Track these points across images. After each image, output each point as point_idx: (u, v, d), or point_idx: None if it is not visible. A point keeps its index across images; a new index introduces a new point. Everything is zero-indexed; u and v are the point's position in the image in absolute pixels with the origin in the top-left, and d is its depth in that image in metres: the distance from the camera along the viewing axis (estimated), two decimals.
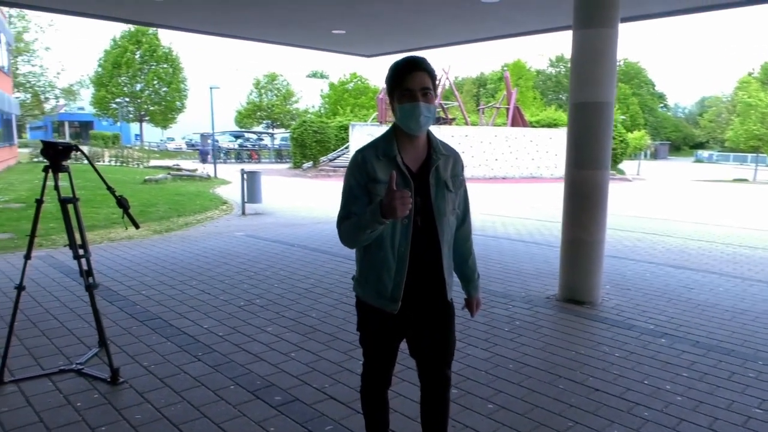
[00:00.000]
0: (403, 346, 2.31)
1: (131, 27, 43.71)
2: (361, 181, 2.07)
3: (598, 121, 5.38)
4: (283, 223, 10.71)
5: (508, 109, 29.68)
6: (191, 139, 50.90)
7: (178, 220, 10.70)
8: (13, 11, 32.76)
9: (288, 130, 38.58)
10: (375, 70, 61.07)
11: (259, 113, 55.32)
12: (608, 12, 5.30)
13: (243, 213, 11.94)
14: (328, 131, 28.90)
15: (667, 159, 66.52)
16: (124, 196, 3.61)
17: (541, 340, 4.46)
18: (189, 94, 49.16)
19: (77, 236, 3.60)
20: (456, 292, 2.28)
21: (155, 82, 47.19)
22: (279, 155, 39.03)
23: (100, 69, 46.73)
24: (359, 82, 51.95)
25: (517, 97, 32.44)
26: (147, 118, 48.76)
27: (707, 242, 9.57)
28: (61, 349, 4.06)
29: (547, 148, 27.63)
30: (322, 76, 73.48)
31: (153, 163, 30.17)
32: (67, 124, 59.22)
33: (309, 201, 15.15)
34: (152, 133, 54.29)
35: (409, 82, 2.01)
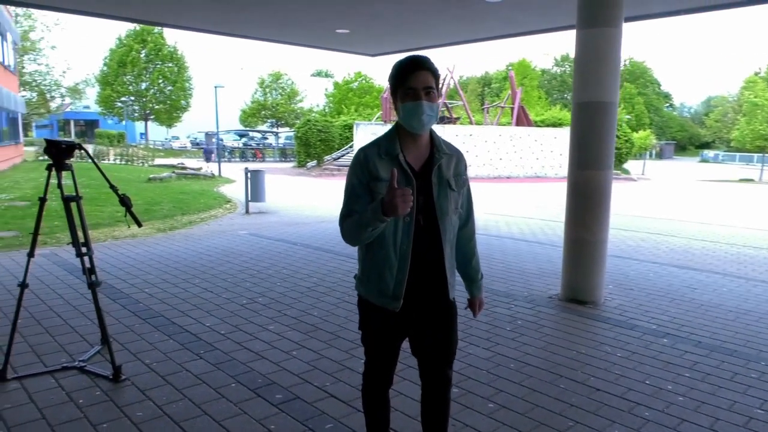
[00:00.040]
0: (405, 345, 2.31)
1: (137, 26, 43.86)
2: (363, 180, 2.07)
3: (601, 121, 5.37)
4: (287, 222, 10.72)
5: (512, 109, 29.65)
6: (196, 138, 51.06)
7: (182, 219, 10.73)
8: (20, 10, 32.90)
9: (292, 129, 38.63)
10: (380, 69, 61.02)
11: (263, 112, 55.45)
12: (612, 11, 5.28)
13: (247, 212, 11.96)
14: (332, 130, 28.94)
15: (672, 159, 66.27)
16: (126, 194, 3.63)
17: (543, 340, 4.45)
18: (194, 93, 49.34)
19: (80, 234, 3.62)
20: (459, 291, 2.28)
21: (160, 81, 47.38)
22: (283, 154, 39.11)
23: (105, 68, 46.95)
24: (364, 81, 52.01)
25: (522, 97, 32.40)
26: (152, 117, 48.95)
27: (711, 242, 9.54)
28: (64, 346, 4.08)
29: (552, 148, 27.57)
30: (327, 75, 73.57)
31: (158, 161, 30.31)
32: (72, 123, 59.53)
33: (313, 200, 15.17)
34: (157, 132, 54.51)
35: (413, 81, 2.02)
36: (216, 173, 22.03)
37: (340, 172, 25.17)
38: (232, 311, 4.99)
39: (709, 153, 65.24)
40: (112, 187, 3.61)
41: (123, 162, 29.10)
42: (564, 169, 25.96)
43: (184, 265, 6.73)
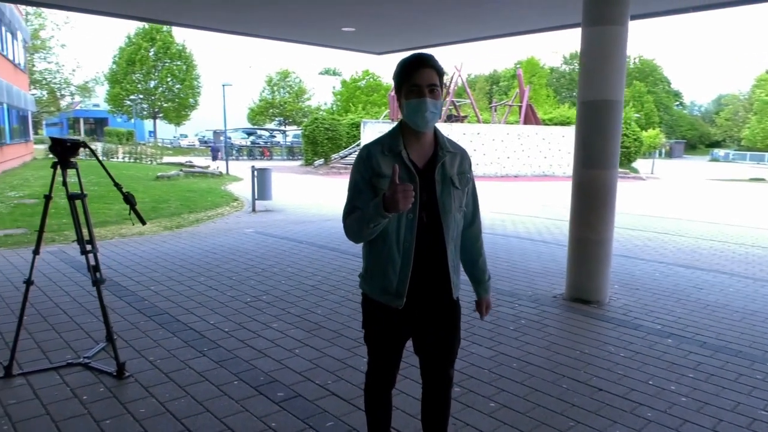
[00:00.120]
0: (408, 344, 2.31)
1: (146, 24, 44.08)
2: (366, 176, 2.08)
3: (607, 120, 5.34)
4: (293, 220, 10.75)
5: (520, 107, 29.53)
6: (204, 136, 51.27)
7: (189, 217, 10.79)
8: (30, 9, 33.16)
9: (300, 128, 38.72)
10: (387, 68, 60.99)
11: (271, 110, 55.58)
12: (618, 9, 5.25)
13: (253, 210, 12.01)
14: (339, 128, 28.97)
15: (682, 158, 65.75)
16: (130, 192, 3.65)
17: (546, 339, 4.44)
18: (202, 91, 49.53)
19: (85, 232, 3.65)
20: (464, 291, 2.28)
21: (169, 79, 47.60)
22: (291, 152, 39.20)
23: (114, 66, 47.24)
24: (371, 80, 52.00)
25: (530, 95, 32.26)
26: (160, 115, 49.20)
27: (719, 242, 9.47)
28: (70, 342, 4.12)
29: (560, 146, 27.46)
30: (335, 74, 73.62)
31: (166, 159, 30.46)
32: (82, 121, 59.98)
33: (319, 198, 15.20)
34: (166, 130, 54.76)
35: (417, 78, 2.02)
36: (224, 171, 22.11)
37: (347, 171, 25.14)
38: (236, 309, 5.01)
39: (720, 152, 64.67)
40: (116, 185, 3.64)
41: (132, 160, 29.28)
42: (572, 168, 25.67)
43: (190, 262, 6.77)
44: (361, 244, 2.22)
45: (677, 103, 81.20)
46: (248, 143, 42.59)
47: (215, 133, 41.22)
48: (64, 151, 3.54)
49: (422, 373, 2.38)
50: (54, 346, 4.04)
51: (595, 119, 5.38)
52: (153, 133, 51.40)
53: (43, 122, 53.08)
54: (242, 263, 6.79)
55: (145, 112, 48.85)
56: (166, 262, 6.75)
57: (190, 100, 48.93)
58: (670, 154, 63.70)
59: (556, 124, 30.31)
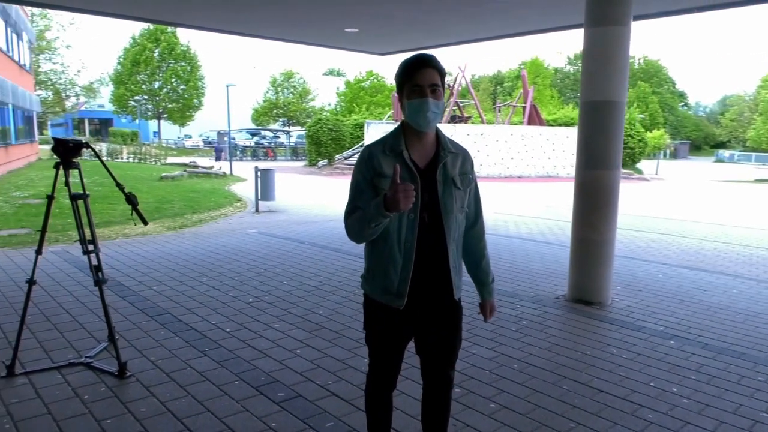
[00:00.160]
0: (409, 345, 2.30)
1: (150, 25, 44.24)
2: (368, 176, 2.08)
3: (609, 120, 5.33)
4: (296, 221, 10.77)
5: (524, 108, 29.49)
6: (208, 137, 51.41)
7: (192, 217, 10.82)
8: (36, 10, 33.32)
9: (304, 128, 38.76)
10: (391, 68, 61.03)
11: (275, 111, 55.70)
12: (621, 9, 5.24)
13: (256, 210, 12.03)
14: (343, 129, 28.99)
15: (687, 159, 65.55)
16: (132, 192, 3.67)
17: (548, 341, 4.43)
18: (206, 91, 49.67)
19: (87, 232, 3.67)
20: (467, 292, 2.27)
21: (173, 79, 47.76)
22: (295, 153, 39.25)
23: (119, 67, 47.44)
24: (375, 80, 52.00)
25: (534, 96, 32.22)
26: (165, 116, 49.37)
27: (723, 243, 9.43)
28: (72, 342, 4.14)
29: (564, 147, 27.39)
30: (339, 74, 73.68)
31: (170, 160, 30.54)
32: (87, 121, 60.21)
33: (323, 199, 15.21)
34: (170, 131, 54.96)
35: (419, 78, 2.03)
36: (227, 172, 22.16)
37: (351, 171, 25.04)
38: (238, 309, 5.02)
39: (725, 153, 64.41)
40: (118, 185, 3.65)
41: (136, 160, 29.38)
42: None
43: (193, 263, 6.79)
44: (363, 245, 2.22)
45: (682, 103, 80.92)
46: (252, 144, 42.67)
47: (219, 133, 41.32)
48: (66, 152, 3.55)
49: (423, 374, 2.38)
50: (56, 346, 4.05)
51: (597, 120, 5.37)
52: (157, 133, 51.58)
53: (49, 123, 53.34)
54: (245, 264, 6.80)
55: (149, 113, 49.03)
56: (168, 263, 6.77)
57: (195, 100, 49.08)
58: (674, 155, 63.51)
59: (560, 125, 30.24)
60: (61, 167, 3.58)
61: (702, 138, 77.18)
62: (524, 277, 6.48)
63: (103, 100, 50.44)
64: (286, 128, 52.65)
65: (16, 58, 23.97)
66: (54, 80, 38.65)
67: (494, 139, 26.41)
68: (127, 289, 5.59)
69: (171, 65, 47.59)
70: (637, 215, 13.09)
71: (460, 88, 30.70)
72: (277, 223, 10.45)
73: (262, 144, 42.95)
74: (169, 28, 45.78)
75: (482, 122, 29.87)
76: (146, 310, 4.94)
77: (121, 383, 3.47)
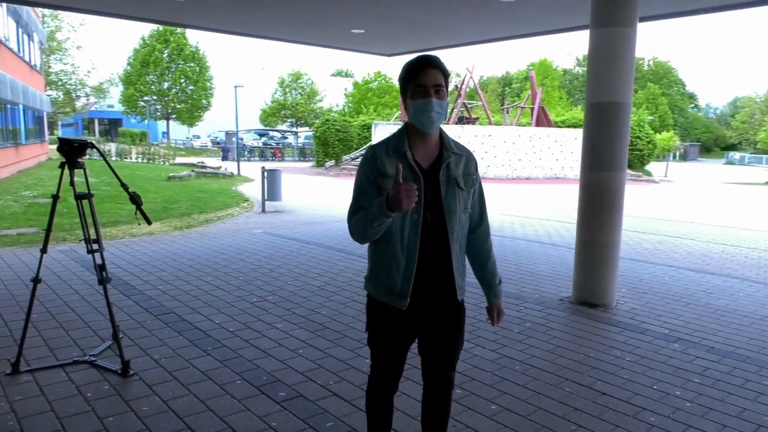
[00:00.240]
0: (412, 346, 2.30)
1: (159, 26, 44.53)
2: (371, 176, 2.09)
3: (614, 122, 5.31)
4: (302, 221, 10.79)
5: (532, 109, 29.40)
6: (216, 137, 51.65)
7: (199, 217, 10.87)
8: (47, 11, 33.62)
9: (311, 129, 38.85)
10: (399, 70, 60.88)
11: (283, 112, 55.86)
12: (627, 10, 5.22)
13: (263, 210, 12.07)
14: (350, 130, 29.01)
15: (697, 161, 65.09)
16: (137, 192, 3.69)
17: (551, 342, 4.42)
18: (215, 92, 49.91)
19: (92, 231, 3.70)
20: (470, 294, 2.26)
21: (182, 80, 48.04)
22: (302, 154, 39.32)
23: (129, 67, 47.77)
24: (383, 81, 52.04)
25: (543, 97, 32.11)
26: (174, 116, 49.65)
27: (731, 246, 9.35)
28: (77, 340, 4.17)
29: (572, 149, 27.26)
30: (347, 75, 73.79)
31: (178, 160, 30.71)
32: (96, 122, 60.65)
33: (329, 199, 15.23)
34: (179, 131, 55.25)
35: (423, 79, 2.03)
36: (235, 172, 22.25)
37: None
38: (242, 309, 5.04)
39: (735, 155, 63.88)
40: (122, 185, 3.68)
41: (145, 161, 29.55)
42: None
43: (198, 262, 6.82)
44: (366, 246, 2.22)
45: (692, 105, 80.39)
46: (260, 144, 42.82)
47: (227, 134, 41.47)
48: (71, 152, 3.58)
49: (423, 375, 2.38)
50: (61, 344, 4.09)
51: (603, 121, 5.35)
52: (166, 134, 51.86)
53: (59, 123, 53.75)
54: (250, 264, 6.83)
55: (158, 113, 49.33)
56: (174, 262, 6.80)
57: (203, 101, 49.34)
58: (684, 157, 63.09)
59: (568, 126, 30.10)
60: (66, 167, 3.61)
61: (712, 140, 76.62)
62: (529, 279, 6.46)
63: (113, 101, 50.79)
64: (294, 129, 52.78)
65: (27, 59, 24.20)
66: (64, 81, 38.94)
67: (502, 140, 26.34)
68: (133, 288, 5.63)
69: (180, 66, 47.85)
70: (645, 217, 13.01)
71: (468, 89, 30.68)
72: (283, 223, 10.48)
73: (270, 144, 43.09)
74: (178, 30, 46.04)
75: (490, 123, 29.81)
76: (151, 309, 4.97)
77: (124, 381, 3.50)
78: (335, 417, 3.12)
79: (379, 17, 8.16)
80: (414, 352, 2.32)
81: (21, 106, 21.30)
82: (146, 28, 48.57)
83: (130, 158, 30.06)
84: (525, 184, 23.86)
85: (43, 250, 3.69)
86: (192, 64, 48.25)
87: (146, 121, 49.00)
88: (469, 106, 31.02)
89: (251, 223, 10.53)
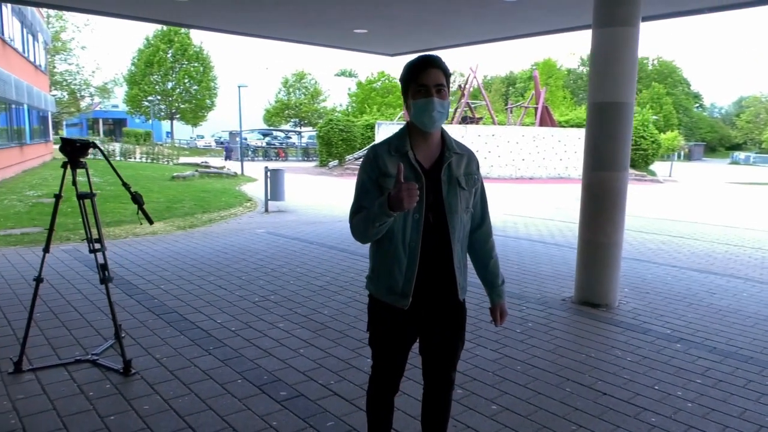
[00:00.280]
0: (413, 346, 2.30)
1: (163, 27, 44.62)
2: (373, 176, 2.09)
3: (617, 122, 5.29)
4: (305, 221, 10.80)
5: (536, 109, 29.35)
6: (220, 137, 51.73)
7: (202, 217, 10.90)
8: (51, 11, 33.74)
9: (315, 129, 38.86)
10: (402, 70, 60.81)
11: (287, 112, 55.89)
12: (629, 10, 5.20)
13: (266, 210, 12.09)
14: (354, 130, 29.01)
15: (702, 160, 64.77)
16: (138, 192, 3.70)
17: (553, 343, 4.41)
18: (219, 92, 49.96)
19: (94, 231, 3.71)
20: (472, 294, 2.26)
21: (186, 80, 48.09)
22: (306, 153, 39.37)
23: (133, 67, 47.86)
24: (387, 81, 52.00)
25: (547, 97, 32.04)
26: (178, 116, 49.73)
27: (735, 246, 9.32)
28: (79, 339, 4.19)
29: (576, 149, 27.19)
30: (351, 75, 73.80)
31: (182, 160, 30.78)
32: (101, 122, 60.85)
33: (332, 199, 15.24)
34: (183, 131, 55.33)
35: (424, 78, 2.04)
36: (239, 172, 22.28)
37: None
38: (244, 308, 5.05)
39: (740, 155, 63.51)
40: (124, 184, 3.70)
41: (149, 160, 29.61)
42: None
43: (201, 262, 6.84)
44: (368, 246, 2.23)
45: (697, 105, 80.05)
46: (264, 144, 42.87)
47: (231, 134, 41.57)
48: (73, 152, 3.60)
49: (424, 375, 2.38)
50: (63, 343, 4.11)
51: (605, 121, 5.33)
52: (170, 133, 51.98)
53: (64, 123, 53.93)
54: (252, 263, 6.84)
55: (162, 113, 49.42)
56: (177, 262, 6.82)
57: (207, 101, 49.40)
58: (689, 157, 62.80)
59: (572, 126, 30.00)
60: (68, 166, 3.63)
61: (717, 140, 76.24)
62: (531, 279, 6.45)
63: (117, 101, 50.96)
64: (298, 129, 52.83)
65: (32, 59, 24.30)
66: (69, 81, 39.11)
67: (505, 140, 26.29)
68: (135, 287, 5.64)
69: (184, 66, 47.93)
70: (649, 217, 12.97)
71: (471, 89, 30.63)
72: (286, 223, 10.50)
73: (274, 144, 43.14)
74: (182, 30, 46.13)
75: (494, 123, 29.76)
76: (153, 308, 4.99)
77: (126, 380, 3.51)
78: (336, 416, 3.12)
79: (381, 17, 8.16)
80: (414, 352, 2.32)
81: (26, 106, 21.38)
82: (150, 29, 48.68)
83: (134, 158, 30.13)
84: (529, 184, 23.81)
85: (46, 250, 3.71)
86: (196, 64, 48.31)
87: (150, 121, 49.11)
88: (472, 105, 31.00)
89: (254, 222, 10.55)
